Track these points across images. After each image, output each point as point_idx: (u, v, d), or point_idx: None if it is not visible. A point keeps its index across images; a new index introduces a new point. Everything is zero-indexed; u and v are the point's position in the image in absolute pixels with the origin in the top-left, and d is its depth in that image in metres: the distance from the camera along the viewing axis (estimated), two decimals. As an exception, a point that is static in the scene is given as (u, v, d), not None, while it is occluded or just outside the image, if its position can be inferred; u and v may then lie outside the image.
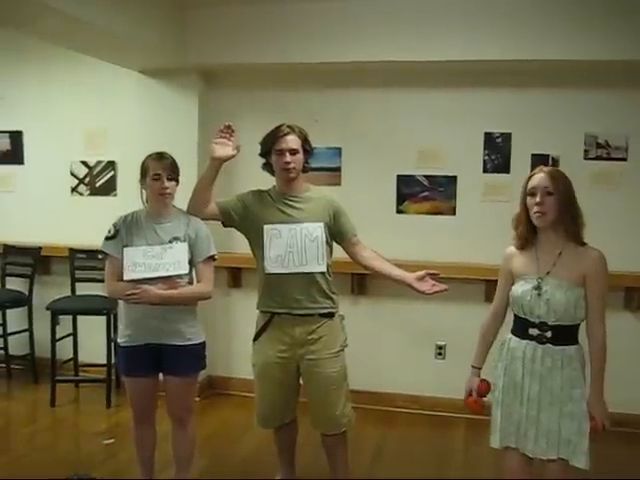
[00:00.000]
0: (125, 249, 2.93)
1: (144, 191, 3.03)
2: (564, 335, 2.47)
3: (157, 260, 2.90)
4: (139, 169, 3.01)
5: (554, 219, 2.47)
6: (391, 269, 3.13)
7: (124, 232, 2.97)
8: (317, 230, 3.00)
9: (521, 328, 2.56)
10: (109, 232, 2.99)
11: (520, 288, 2.55)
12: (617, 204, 4.33)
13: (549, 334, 2.47)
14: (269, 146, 3.03)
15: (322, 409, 3.08)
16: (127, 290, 2.86)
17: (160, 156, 2.98)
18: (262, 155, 3.10)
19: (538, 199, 2.46)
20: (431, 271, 3.00)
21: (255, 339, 3.13)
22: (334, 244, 3.15)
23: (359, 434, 3.74)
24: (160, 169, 2.93)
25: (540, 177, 2.49)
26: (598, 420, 2.44)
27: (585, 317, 2.48)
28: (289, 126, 3.03)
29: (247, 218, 3.07)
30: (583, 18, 3.97)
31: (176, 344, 2.96)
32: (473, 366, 2.77)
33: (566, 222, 2.47)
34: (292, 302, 3.00)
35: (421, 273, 2.99)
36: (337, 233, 3.12)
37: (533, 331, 2.51)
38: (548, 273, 2.48)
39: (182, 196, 3.05)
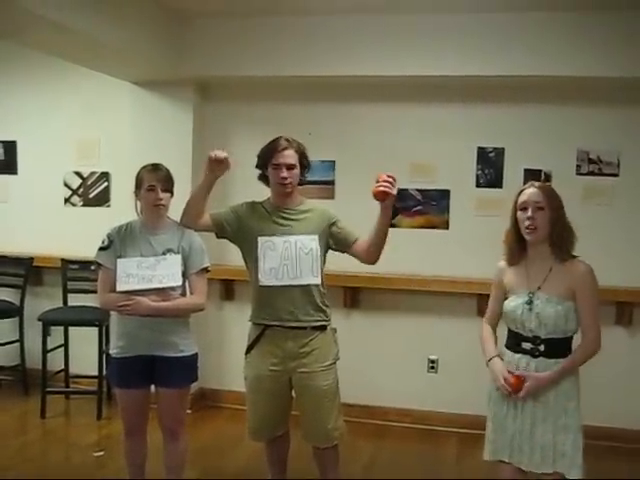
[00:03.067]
0: (119, 260, 2.92)
1: (138, 202, 3.03)
2: (557, 348, 2.48)
3: (150, 271, 2.90)
4: (133, 180, 3.02)
5: (545, 234, 2.48)
6: (372, 231, 2.97)
7: (118, 243, 2.97)
8: (312, 243, 3.00)
9: (514, 342, 2.57)
10: (103, 242, 2.99)
11: (512, 302, 2.56)
12: (609, 219, 4.36)
13: (542, 347, 2.48)
14: (266, 159, 3.01)
15: (314, 422, 3.06)
16: (120, 301, 2.86)
17: (155, 167, 2.99)
18: (258, 167, 3.09)
19: (530, 214, 2.47)
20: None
21: (247, 352, 3.11)
22: (328, 253, 3.12)
23: (351, 447, 3.73)
24: (155, 180, 2.94)
25: (531, 192, 2.50)
26: (523, 386, 2.42)
27: (578, 328, 2.49)
28: (287, 140, 3.00)
29: (241, 230, 3.06)
30: (576, 34, 4.01)
31: (168, 356, 2.96)
32: (492, 357, 2.61)
33: (557, 238, 2.48)
34: (285, 314, 2.98)
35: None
36: (341, 240, 3.08)
37: (526, 345, 2.51)
38: (539, 288, 2.49)
39: (176, 208, 3.05)
